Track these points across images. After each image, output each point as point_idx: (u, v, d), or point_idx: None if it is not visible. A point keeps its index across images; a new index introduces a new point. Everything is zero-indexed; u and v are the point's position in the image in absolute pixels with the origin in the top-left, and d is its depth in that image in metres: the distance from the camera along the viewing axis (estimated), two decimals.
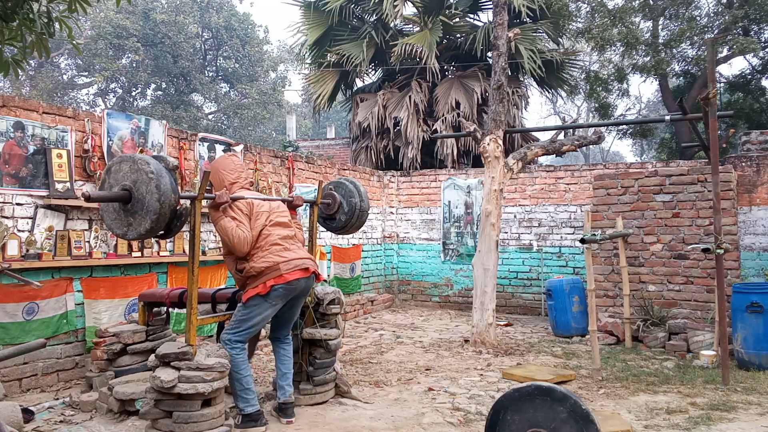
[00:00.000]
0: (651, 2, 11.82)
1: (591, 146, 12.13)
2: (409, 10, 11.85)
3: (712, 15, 11.80)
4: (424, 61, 10.69)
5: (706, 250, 5.47)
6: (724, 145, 10.93)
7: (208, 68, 23.37)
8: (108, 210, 3.29)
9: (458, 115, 10.60)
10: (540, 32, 11.55)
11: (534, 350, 6.29)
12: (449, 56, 12.07)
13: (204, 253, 6.21)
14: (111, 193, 3.20)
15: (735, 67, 61.06)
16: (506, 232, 9.14)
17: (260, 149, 7.30)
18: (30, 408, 3.96)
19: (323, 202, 4.70)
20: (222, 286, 5.72)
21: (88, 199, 3.11)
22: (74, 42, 3.22)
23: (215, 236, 6.55)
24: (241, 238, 3.68)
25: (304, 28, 12.14)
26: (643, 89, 52.61)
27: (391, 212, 10.27)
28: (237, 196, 3.81)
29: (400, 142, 10.92)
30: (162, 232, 3.33)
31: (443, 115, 10.74)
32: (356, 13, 12.13)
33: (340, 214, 4.71)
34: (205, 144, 6.50)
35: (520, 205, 9.19)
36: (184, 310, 4.70)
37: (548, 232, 8.98)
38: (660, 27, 12.54)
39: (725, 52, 11.64)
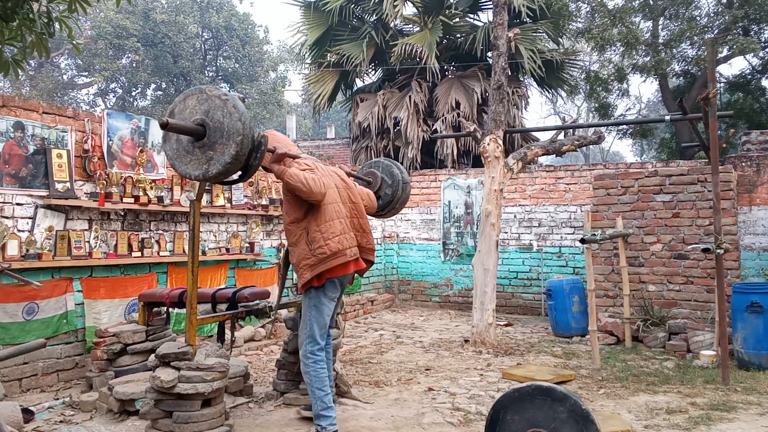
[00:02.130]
0: (651, 2, 11.83)
1: (591, 146, 12.13)
2: (409, 10, 11.85)
3: (712, 15, 11.80)
4: (424, 61, 10.69)
5: (706, 250, 5.47)
6: (724, 145, 10.91)
7: (208, 68, 23.36)
8: (180, 155, 3.07)
9: (458, 115, 10.60)
10: (540, 32, 11.55)
11: (534, 350, 6.29)
12: (449, 56, 12.07)
13: (204, 253, 6.21)
14: (189, 124, 2.97)
15: (735, 67, 61.06)
16: (506, 232, 9.14)
17: None
18: (30, 408, 3.96)
19: (363, 179, 4.41)
20: (222, 286, 5.73)
21: (165, 125, 2.86)
22: (74, 42, 3.22)
23: (215, 236, 6.55)
24: (316, 180, 3.38)
25: (304, 28, 12.15)
26: (643, 89, 52.62)
27: None
28: (296, 154, 3.59)
29: (400, 142, 10.92)
30: (240, 171, 3.10)
31: (443, 115, 10.74)
32: (356, 13, 12.13)
33: (384, 188, 4.41)
34: None
35: (520, 205, 9.19)
36: (184, 310, 4.70)
37: (548, 232, 8.98)
38: (660, 27, 12.54)
39: (725, 52, 11.63)
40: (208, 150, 2.96)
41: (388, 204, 4.41)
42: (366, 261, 3.71)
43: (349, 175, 3.98)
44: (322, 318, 3.55)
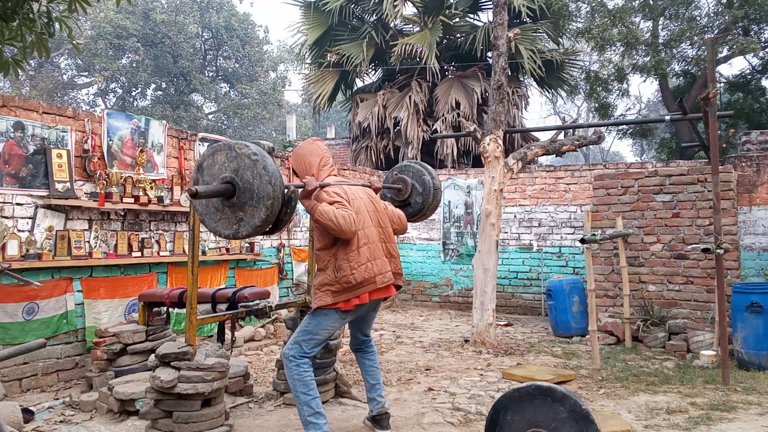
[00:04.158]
0: (651, 2, 11.83)
1: (591, 146, 12.13)
2: (409, 10, 11.86)
3: (712, 15, 11.80)
4: (424, 61, 10.69)
5: (706, 250, 5.46)
6: (724, 145, 10.94)
7: (208, 68, 23.36)
8: (209, 212, 2.98)
9: (458, 115, 10.60)
10: (540, 32, 11.57)
11: (534, 350, 6.29)
12: (449, 56, 12.08)
13: (204, 253, 6.21)
14: (218, 187, 2.87)
15: (735, 67, 60.99)
16: (506, 232, 9.14)
17: None
18: (30, 408, 3.96)
19: (393, 187, 4.24)
20: (222, 286, 5.72)
21: (195, 195, 2.77)
22: (74, 42, 3.22)
23: (215, 236, 6.54)
24: (347, 218, 3.19)
25: (304, 28, 12.16)
26: (643, 89, 52.64)
27: None
28: (325, 183, 3.39)
29: (400, 142, 10.93)
30: (270, 225, 2.98)
31: (443, 115, 10.75)
32: (356, 13, 12.14)
33: (414, 196, 4.25)
34: (205, 144, 6.50)
35: (520, 205, 9.19)
36: (184, 310, 4.70)
37: (548, 232, 8.98)
38: (660, 27, 12.54)
39: (725, 52, 11.64)
40: (238, 210, 2.89)
41: (418, 212, 4.30)
42: (395, 286, 3.61)
43: (376, 191, 3.77)
44: (318, 334, 3.35)
